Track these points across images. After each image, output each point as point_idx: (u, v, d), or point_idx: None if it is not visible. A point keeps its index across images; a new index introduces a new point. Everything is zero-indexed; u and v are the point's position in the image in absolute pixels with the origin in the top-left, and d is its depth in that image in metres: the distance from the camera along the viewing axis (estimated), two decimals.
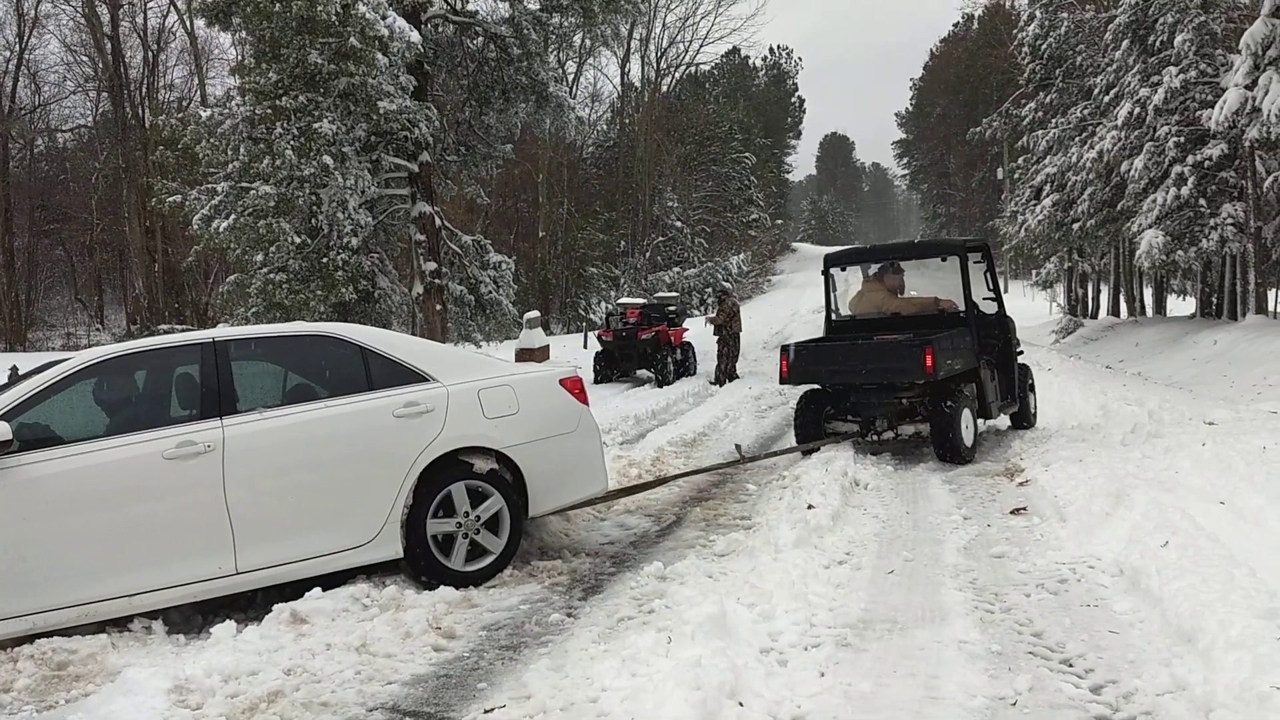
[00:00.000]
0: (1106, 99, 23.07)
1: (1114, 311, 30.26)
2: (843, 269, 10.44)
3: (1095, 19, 25.52)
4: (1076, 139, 24.38)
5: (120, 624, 4.84)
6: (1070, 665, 3.99)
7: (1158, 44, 19.44)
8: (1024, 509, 6.74)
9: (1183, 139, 18.26)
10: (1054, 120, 26.43)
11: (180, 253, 30.52)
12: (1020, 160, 29.25)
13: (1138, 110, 19.23)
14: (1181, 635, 4.05)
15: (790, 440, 10.00)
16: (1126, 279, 29.21)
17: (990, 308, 9.84)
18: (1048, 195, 25.06)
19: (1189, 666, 3.75)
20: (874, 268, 10.37)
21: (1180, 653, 3.93)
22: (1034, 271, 30.53)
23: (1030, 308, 36.36)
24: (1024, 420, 10.36)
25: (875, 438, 9.32)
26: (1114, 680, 3.81)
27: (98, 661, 4.45)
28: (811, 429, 9.53)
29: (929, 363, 8.39)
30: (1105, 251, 28.08)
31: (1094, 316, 31.18)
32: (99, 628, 4.75)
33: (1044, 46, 27.28)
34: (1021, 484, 7.55)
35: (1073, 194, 23.91)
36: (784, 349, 9.52)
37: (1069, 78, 26.78)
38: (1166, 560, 4.80)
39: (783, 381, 9.53)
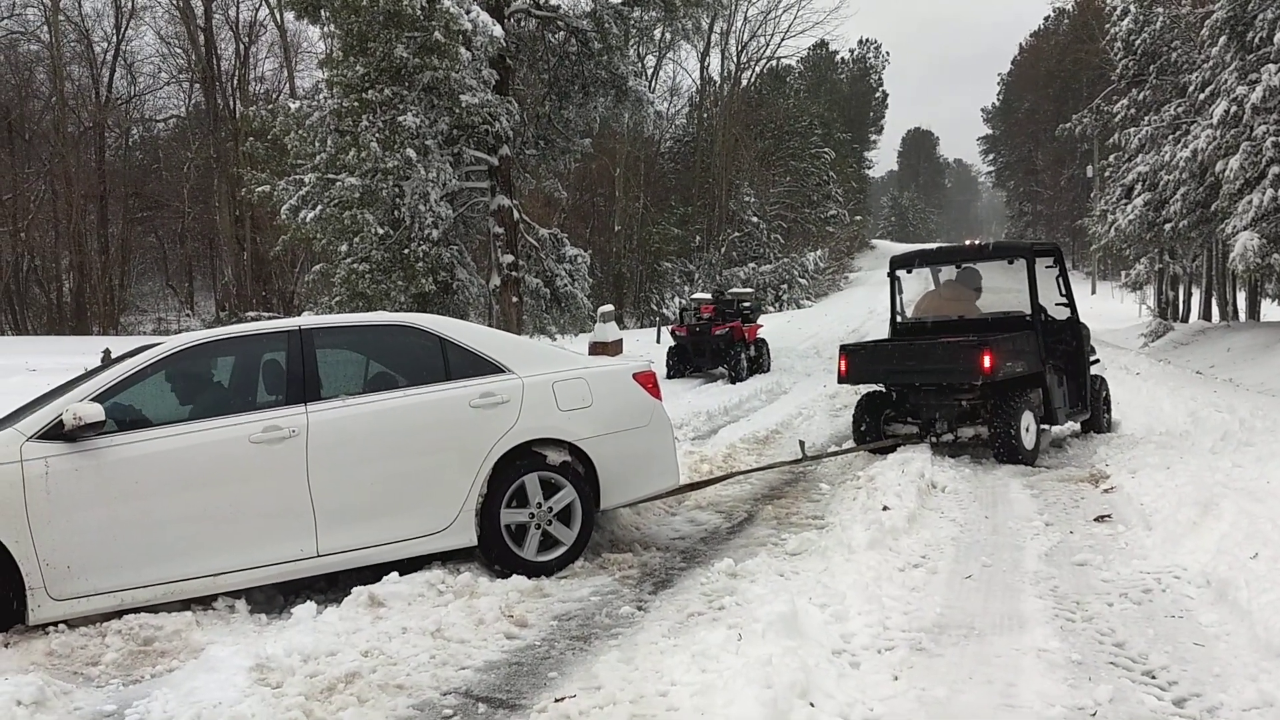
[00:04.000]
0: (1202, 97, 22.31)
1: (1205, 315, 29.32)
2: (909, 271, 10.34)
3: (1191, 14, 24.68)
4: (1170, 137, 23.64)
5: (205, 602, 4.99)
6: (1153, 677, 3.89)
7: (1256, 40, 18.73)
8: (1108, 516, 6.57)
9: None
10: (1147, 118, 25.65)
11: (268, 242, 31.30)
12: (1111, 158, 28.45)
13: (1234, 109, 18.55)
14: (1270, 650, 3.92)
15: None
16: (1219, 282, 28.27)
17: (1063, 314, 9.66)
18: (1139, 194, 24.33)
19: (1277, 682, 3.63)
20: (944, 272, 10.28)
21: (1269, 668, 3.80)
22: (1124, 273, 29.72)
23: (1119, 310, 35.43)
24: (1096, 428, 10.18)
25: (934, 439, 9.21)
26: (1198, 694, 3.70)
27: (182, 638, 4.59)
28: (870, 430, 9.49)
29: (987, 364, 8.31)
30: (1197, 253, 27.20)
31: (1185, 320, 30.25)
32: (184, 605, 4.90)
33: (1138, 42, 26.47)
34: (1106, 490, 7.36)
35: (1165, 193, 23.19)
36: (843, 348, 9.51)
37: (1163, 74, 25.96)
38: (1256, 572, 4.65)
39: (841, 381, 9.49)
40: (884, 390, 9.72)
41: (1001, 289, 9.73)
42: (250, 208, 31.21)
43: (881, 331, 11.09)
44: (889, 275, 10.29)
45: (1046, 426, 9.25)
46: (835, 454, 9.39)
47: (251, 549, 5.02)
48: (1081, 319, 9.94)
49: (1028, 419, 8.72)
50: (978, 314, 9.82)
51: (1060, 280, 9.65)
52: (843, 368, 9.35)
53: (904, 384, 9.40)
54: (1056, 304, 9.59)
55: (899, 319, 10.25)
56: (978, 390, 8.92)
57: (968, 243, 10.67)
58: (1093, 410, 10.02)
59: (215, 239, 40.90)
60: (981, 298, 10.01)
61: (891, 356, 9.31)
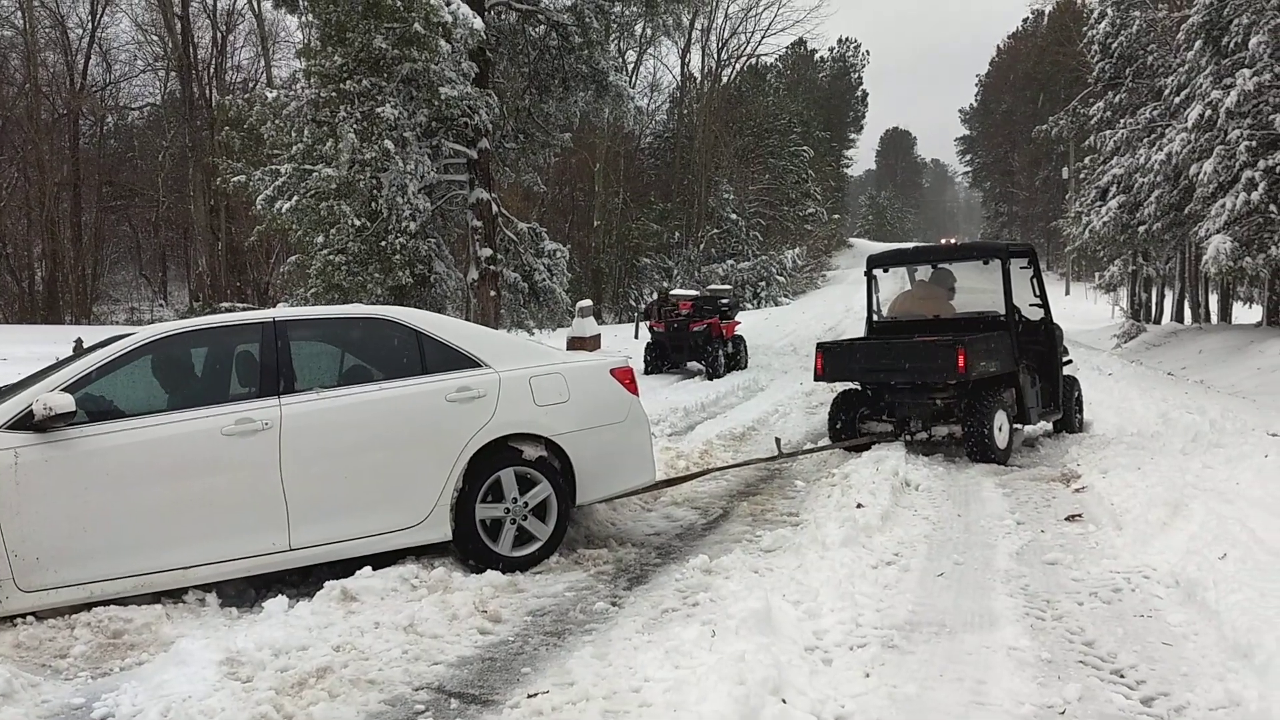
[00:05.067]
0: (1177, 100, 22.53)
1: (1178, 317, 29.63)
2: (885, 270, 10.39)
3: (1168, 18, 24.92)
4: (1145, 140, 23.86)
5: (175, 595, 4.94)
6: (1121, 676, 3.92)
7: (1231, 45, 18.92)
8: (1079, 515, 6.63)
9: (1255, 143, 17.76)
10: (1122, 120, 25.88)
11: (243, 232, 31.09)
12: (1086, 160, 28.70)
13: (1209, 113, 18.74)
14: (1238, 650, 3.97)
15: None
16: (1192, 285, 28.57)
17: (1037, 314, 9.74)
18: (1114, 196, 24.55)
19: (1244, 682, 3.67)
20: (919, 272, 10.33)
21: (1236, 668, 3.85)
22: (1097, 274, 29.96)
23: (1092, 311, 35.76)
24: (1068, 428, 10.25)
25: (909, 438, 9.25)
26: (1166, 693, 3.74)
27: (152, 631, 4.55)
28: (846, 428, 9.54)
29: (961, 363, 8.38)
30: (1171, 256, 27.47)
31: (1157, 322, 30.56)
32: (154, 598, 4.85)
33: (1114, 45, 26.71)
34: (1077, 490, 7.43)
35: (1139, 196, 23.41)
36: (819, 346, 9.56)
37: (1139, 77, 26.19)
38: (1224, 573, 4.70)
39: (817, 379, 9.54)
40: (860, 388, 9.76)
41: (977, 289, 9.81)
42: (226, 197, 30.88)
43: (858, 330, 11.14)
44: (866, 274, 10.32)
45: (1020, 426, 9.32)
46: (811, 451, 9.44)
47: (223, 542, 4.98)
48: (1055, 320, 10.01)
49: (1001, 418, 8.80)
50: (952, 313, 9.88)
51: (1035, 281, 9.70)
52: (819, 366, 9.41)
53: (879, 382, 9.45)
54: (1030, 304, 9.66)
55: (875, 318, 10.29)
56: (952, 389, 8.98)
57: (943, 242, 10.73)
58: (1065, 410, 10.09)
59: (190, 228, 40.45)
60: (957, 297, 10.07)
61: (867, 355, 9.36)
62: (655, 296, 23.62)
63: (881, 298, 10.35)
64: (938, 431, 9.23)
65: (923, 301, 10.10)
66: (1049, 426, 10.30)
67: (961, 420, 8.91)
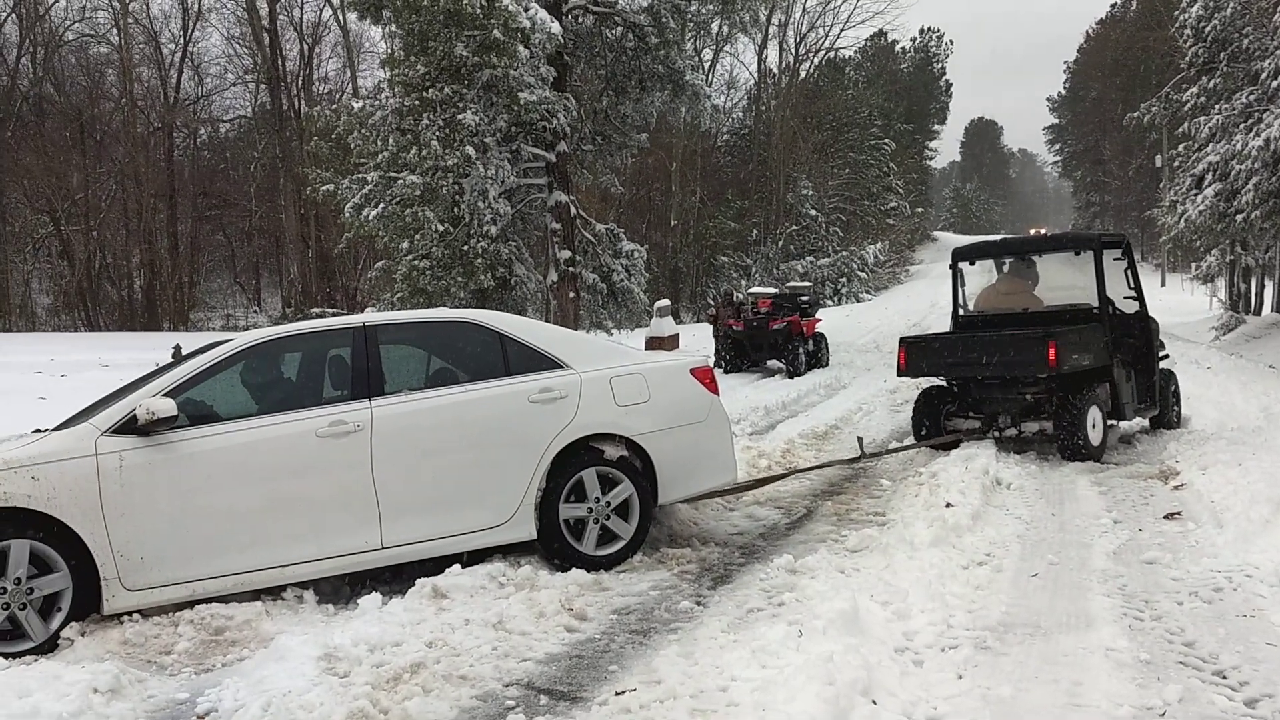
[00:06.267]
0: (1275, 84, 21.66)
1: (1279, 309, 28.47)
2: (972, 263, 10.15)
3: (1264, 0, 23.96)
4: (1241, 126, 22.97)
5: (274, 593, 5.10)
6: (1224, 677, 3.80)
7: None
8: (1178, 513, 6.43)
9: None
10: (1217, 106, 24.95)
11: (332, 239, 31.83)
12: (1180, 147, 27.73)
13: None
14: None
15: None
16: None
17: (1131, 307, 9.44)
18: (1209, 184, 23.68)
19: None
20: (1006, 263, 10.05)
21: None
22: (1194, 265, 28.97)
23: (1189, 302, 34.56)
24: (1164, 424, 9.93)
25: (998, 435, 9.03)
26: (1270, 694, 3.61)
27: (252, 628, 4.70)
28: (930, 425, 9.34)
29: (1052, 356, 8.13)
30: (1270, 245, 26.37)
31: (1257, 313, 29.40)
32: (254, 596, 5.01)
33: (1207, 29, 25.73)
34: (1176, 488, 7.20)
35: (1236, 183, 22.54)
36: (902, 341, 9.37)
37: (1234, 62, 25.21)
38: None
39: (900, 374, 9.37)
40: (945, 385, 9.58)
41: (1068, 281, 9.52)
42: (315, 206, 31.73)
43: (943, 325, 10.89)
44: (951, 267, 10.12)
45: (1114, 422, 9.06)
46: (895, 451, 9.28)
47: (318, 541, 5.12)
48: (1151, 312, 9.71)
49: (1094, 414, 8.55)
50: (1041, 306, 9.63)
51: (1129, 272, 9.43)
52: (902, 360, 9.22)
53: (966, 377, 9.24)
54: (1125, 297, 9.37)
55: (961, 311, 10.08)
56: (1042, 384, 8.74)
57: (1032, 233, 10.46)
58: (1162, 405, 9.77)
59: (281, 237, 41.63)
60: (1048, 290, 9.78)
61: (953, 349, 9.16)
62: (720, 296, 23.50)
63: (969, 291, 10.14)
64: (1028, 428, 9.00)
65: (1009, 295, 9.86)
66: (1145, 423, 9.99)
67: (1053, 416, 8.68)
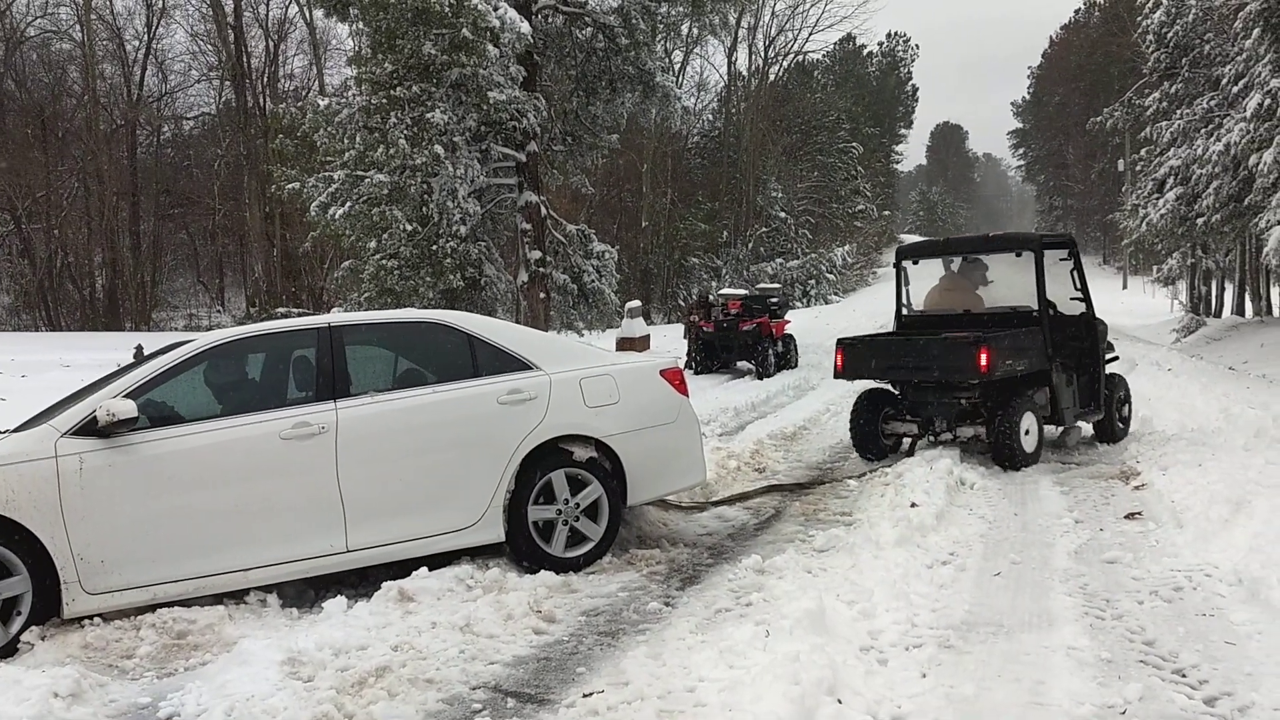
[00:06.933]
0: (1235, 90, 22.01)
1: (1239, 311, 28.92)
2: (915, 262, 9.94)
3: (1225, 6, 24.32)
4: (1202, 131, 23.33)
5: (237, 596, 5.05)
6: (1183, 675, 3.86)
7: None
8: (1139, 513, 6.52)
9: None
10: (1179, 111, 25.32)
11: (298, 238, 31.54)
12: (1142, 152, 28.12)
13: (1268, 102, 18.28)
14: None
15: None
16: (1252, 277, 27.89)
17: (1077, 308, 9.20)
18: (1171, 188, 24.03)
19: None
20: (954, 263, 9.86)
21: None
22: (1155, 268, 29.35)
23: (1151, 305, 35.05)
24: (1108, 433, 9.52)
25: (934, 438, 8.90)
26: (1229, 693, 3.67)
27: (215, 632, 4.66)
28: (868, 428, 9.18)
29: (984, 362, 7.99)
30: (1230, 248, 26.82)
31: (1217, 315, 29.85)
32: (217, 600, 4.96)
33: (1169, 35, 26.13)
34: (1137, 488, 7.29)
35: (1197, 188, 22.89)
36: (840, 342, 9.19)
37: (1195, 67, 25.61)
38: None
39: (837, 376, 9.17)
40: (886, 387, 9.40)
41: (1014, 282, 9.31)
42: (280, 204, 31.43)
43: None
44: (894, 266, 9.94)
45: (1052, 427, 8.92)
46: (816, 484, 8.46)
47: (283, 544, 5.07)
48: (1098, 314, 9.49)
49: (1029, 420, 8.36)
50: (983, 307, 9.45)
51: (1075, 273, 9.21)
52: (839, 362, 9.04)
53: (902, 380, 9.08)
54: (1071, 298, 9.19)
55: (905, 312, 9.89)
56: (977, 388, 8.60)
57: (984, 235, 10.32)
58: (1107, 411, 9.44)
59: (245, 236, 41.19)
60: (992, 291, 9.59)
61: (889, 352, 8.96)
62: (695, 297, 23.55)
63: (915, 291, 9.93)
64: (963, 433, 8.82)
65: (952, 295, 9.68)
66: (1088, 429, 9.71)
67: (986, 422, 8.52)
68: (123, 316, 36.88)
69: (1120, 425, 9.70)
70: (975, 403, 8.76)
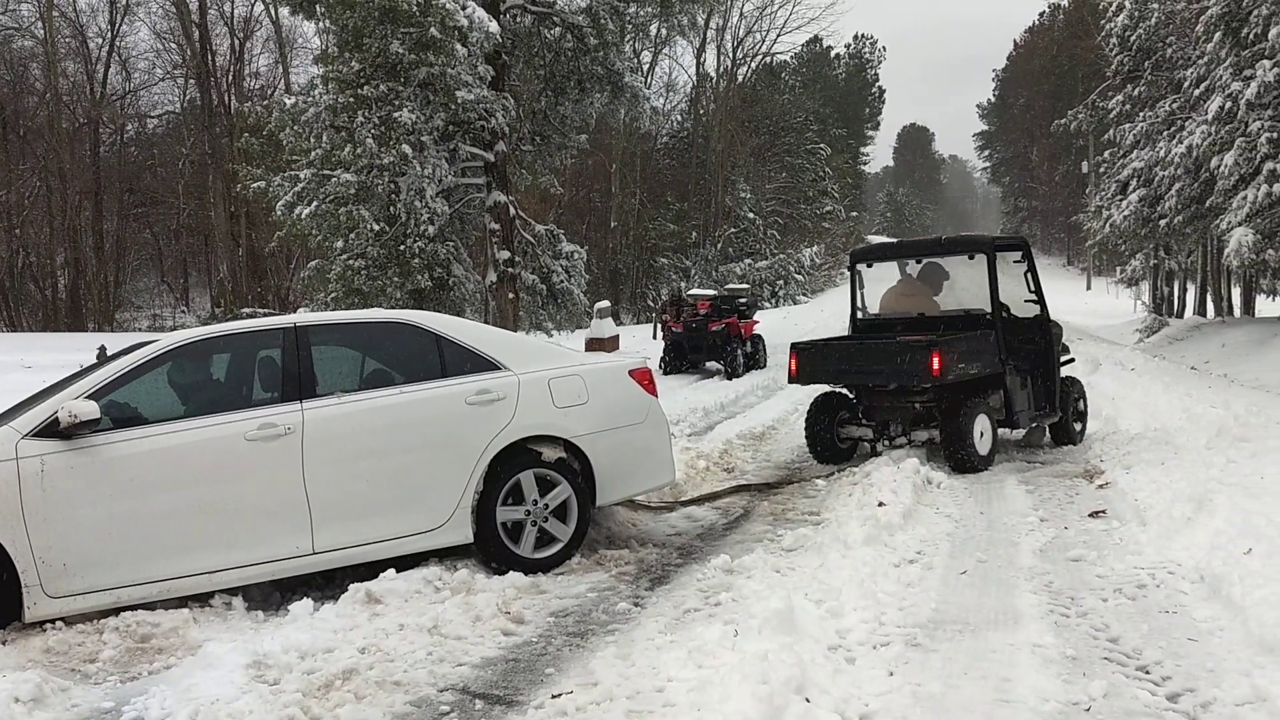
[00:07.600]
0: (1197, 92, 22.35)
1: (1200, 311, 29.38)
2: (869, 265, 9.92)
3: (1186, 10, 24.67)
4: (1165, 133, 23.66)
5: (202, 599, 4.99)
6: (1147, 672, 3.90)
7: (1251, 36, 18.73)
8: (1103, 512, 6.59)
9: (1276, 135, 17.60)
10: (1142, 113, 25.68)
11: (263, 238, 31.25)
12: (1106, 154, 28.48)
13: (1229, 104, 18.57)
14: (1264, 645, 3.93)
15: None
16: (1214, 278, 28.34)
17: (1032, 310, 9.16)
18: (1134, 190, 24.36)
19: (1271, 677, 3.64)
20: (910, 265, 9.84)
21: (1262, 663, 3.81)
22: (1119, 269, 29.75)
23: (1114, 306, 35.52)
24: (1065, 436, 9.53)
25: (888, 442, 8.89)
26: (1192, 689, 3.71)
27: (180, 635, 4.60)
28: (824, 433, 9.16)
29: (936, 366, 7.98)
30: (1192, 249, 27.25)
31: (1180, 316, 30.30)
32: (181, 602, 4.90)
33: (1133, 38, 26.49)
34: (1101, 486, 7.38)
35: (1160, 189, 23.22)
36: (793, 346, 9.15)
37: (1158, 70, 25.98)
38: (1250, 568, 4.66)
39: (791, 380, 9.16)
40: (841, 391, 9.38)
41: (968, 285, 9.32)
42: (245, 204, 31.15)
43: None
44: (849, 269, 9.89)
45: (1006, 430, 8.94)
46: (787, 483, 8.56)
47: (248, 546, 5.02)
48: (1054, 316, 9.50)
49: (982, 423, 8.37)
50: (938, 310, 9.44)
51: (1029, 275, 9.17)
52: (793, 367, 8.99)
53: (856, 384, 9.08)
54: (1025, 300, 9.15)
55: (860, 315, 9.85)
56: (930, 392, 8.60)
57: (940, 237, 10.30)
58: (1063, 414, 9.43)
59: (210, 235, 40.78)
60: (947, 294, 9.58)
61: (843, 356, 8.94)
62: (667, 295, 23.59)
63: (870, 294, 9.88)
64: (917, 436, 8.82)
65: (908, 298, 9.66)
66: (1046, 433, 9.72)
67: (940, 425, 8.51)
68: (85, 317, 36.38)
69: (1076, 427, 9.70)
70: (929, 406, 8.76)
